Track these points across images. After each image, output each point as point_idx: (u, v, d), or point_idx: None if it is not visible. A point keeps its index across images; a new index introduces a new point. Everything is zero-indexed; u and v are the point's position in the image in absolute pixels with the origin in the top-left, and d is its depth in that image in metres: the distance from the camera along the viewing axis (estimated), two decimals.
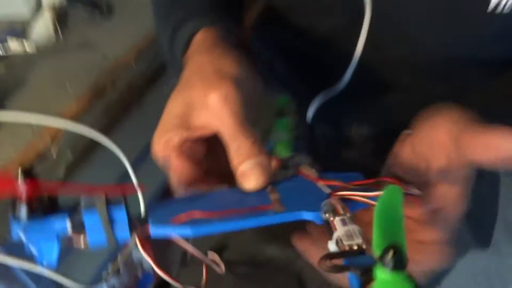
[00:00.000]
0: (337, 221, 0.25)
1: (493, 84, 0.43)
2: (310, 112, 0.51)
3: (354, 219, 0.26)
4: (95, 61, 0.61)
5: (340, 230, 0.24)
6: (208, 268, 0.30)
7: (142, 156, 0.73)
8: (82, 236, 0.25)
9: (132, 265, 0.31)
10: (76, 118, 0.54)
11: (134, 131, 0.68)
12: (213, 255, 0.30)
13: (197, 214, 0.26)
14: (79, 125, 0.24)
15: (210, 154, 0.34)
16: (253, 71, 0.36)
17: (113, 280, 0.33)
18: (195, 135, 0.33)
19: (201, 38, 0.39)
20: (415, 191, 0.29)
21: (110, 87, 0.58)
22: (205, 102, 0.32)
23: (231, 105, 0.31)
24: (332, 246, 0.25)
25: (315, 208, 0.27)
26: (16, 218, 0.24)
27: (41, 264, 0.25)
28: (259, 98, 0.37)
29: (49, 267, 0.25)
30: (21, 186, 0.24)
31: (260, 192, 0.29)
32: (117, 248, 0.27)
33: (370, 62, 0.46)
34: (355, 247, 0.23)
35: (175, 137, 0.33)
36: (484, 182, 0.53)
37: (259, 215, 0.27)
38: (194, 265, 0.38)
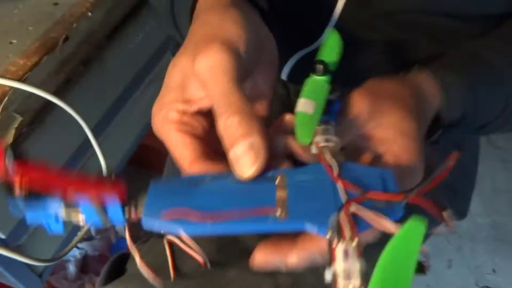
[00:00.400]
0: (338, 251, 0.22)
1: (473, 40, 0.42)
2: (286, 70, 0.48)
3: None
4: (44, 10, 0.54)
5: (339, 265, 0.22)
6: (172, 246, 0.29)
7: (104, 122, 0.66)
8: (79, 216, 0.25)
9: (105, 230, 0.28)
10: (23, 76, 0.48)
11: (94, 92, 0.61)
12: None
13: (192, 215, 0.25)
14: (26, 85, 0.22)
15: (214, 130, 0.30)
16: (260, 30, 0.32)
17: (85, 246, 0.32)
18: (192, 109, 0.30)
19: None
20: (448, 222, 0.25)
21: (63, 40, 0.50)
22: (193, 70, 0.28)
23: (218, 73, 0.27)
24: (328, 276, 0.22)
25: (321, 219, 0.24)
26: (13, 198, 0.24)
27: (50, 231, 0.26)
28: (267, 60, 0.33)
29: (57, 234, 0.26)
30: (11, 166, 0.24)
31: (267, 185, 0.26)
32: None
33: (350, 19, 0.44)
34: None
35: (172, 111, 0.30)
36: (464, 152, 0.52)
37: (257, 222, 0.24)
38: (155, 240, 0.34)
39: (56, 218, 0.25)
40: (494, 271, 1.17)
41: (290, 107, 0.55)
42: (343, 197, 0.25)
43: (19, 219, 0.56)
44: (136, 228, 0.27)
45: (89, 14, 0.54)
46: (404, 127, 0.30)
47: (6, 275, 0.60)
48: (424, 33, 0.45)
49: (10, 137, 0.52)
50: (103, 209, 0.25)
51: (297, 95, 0.59)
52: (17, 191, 0.24)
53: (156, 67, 0.77)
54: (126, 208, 0.26)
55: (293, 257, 0.26)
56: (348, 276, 0.22)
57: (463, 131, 0.38)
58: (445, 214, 0.25)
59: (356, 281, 0.21)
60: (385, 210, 0.24)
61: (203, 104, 0.30)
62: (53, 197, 0.25)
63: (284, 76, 0.51)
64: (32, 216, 0.25)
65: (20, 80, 0.47)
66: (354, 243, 0.22)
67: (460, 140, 0.53)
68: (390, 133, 0.30)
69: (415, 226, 0.20)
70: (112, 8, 0.59)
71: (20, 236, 0.58)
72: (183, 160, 0.29)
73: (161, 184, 0.27)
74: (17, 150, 0.51)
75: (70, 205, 0.25)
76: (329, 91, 0.30)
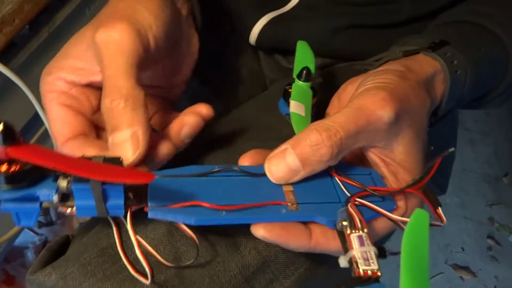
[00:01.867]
0: (353, 237, 0.24)
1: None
2: (254, 34, 0.44)
3: None
4: None
5: (356, 250, 0.24)
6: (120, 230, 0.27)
7: None
8: (69, 207, 0.24)
9: (66, 215, 0.25)
10: None
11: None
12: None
13: (204, 205, 0.25)
14: None
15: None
16: (180, 25, 0.32)
17: (45, 232, 0.28)
18: (83, 81, 0.29)
19: None
20: (442, 217, 0.28)
21: None
22: (93, 42, 0.27)
23: (116, 52, 0.26)
24: (343, 262, 0.24)
25: (329, 211, 0.26)
26: None
27: (18, 224, 0.24)
28: (183, 55, 0.33)
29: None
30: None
31: (270, 181, 0.27)
32: None
33: None
34: (370, 273, 0.23)
35: (60, 80, 0.29)
36: (445, 124, 0.51)
37: (271, 212, 0.26)
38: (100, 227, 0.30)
39: (31, 211, 0.23)
40: (463, 249, 1.19)
41: (259, 74, 0.52)
42: (346, 192, 0.27)
43: None
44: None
45: None
46: (412, 151, 0.28)
47: None
48: None
49: None
50: (103, 197, 0.23)
51: (268, 63, 0.55)
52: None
53: None
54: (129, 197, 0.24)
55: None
56: (366, 260, 0.23)
57: (456, 107, 0.36)
58: (439, 210, 0.28)
59: (374, 265, 0.23)
60: (380, 203, 0.27)
61: (95, 79, 0.28)
62: (45, 182, 0.23)
63: (252, 41, 0.47)
64: (8, 205, 0.23)
65: None
66: (366, 230, 0.25)
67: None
68: (397, 158, 0.28)
69: (421, 214, 0.23)
70: None
71: None
72: (58, 136, 0.28)
73: (161, 175, 0.26)
74: None
75: (63, 190, 0.23)
76: (312, 96, 0.34)
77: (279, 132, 0.33)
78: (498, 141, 1.42)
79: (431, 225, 0.27)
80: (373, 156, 0.29)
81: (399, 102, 0.26)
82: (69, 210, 0.24)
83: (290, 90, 0.33)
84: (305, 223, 0.27)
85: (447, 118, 0.51)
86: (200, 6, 0.36)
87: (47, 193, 0.23)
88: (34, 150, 0.22)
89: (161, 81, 0.33)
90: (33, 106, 0.52)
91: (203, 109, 0.30)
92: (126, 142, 0.25)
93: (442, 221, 0.27)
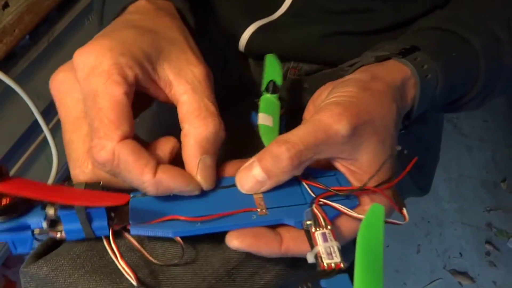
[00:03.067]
0: (318, 235, 0.26)
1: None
2: (243, 40, 0.46)
3: None
4: None
5: (320, 246, 0.26)
6: None
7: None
8: (58, 232, 0.26)
9: (57, 239, 0.28)
10: None
11: (42, 69, 0.57)
12: None
13: (180, 218, 0.27)
14: None
15: None
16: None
17: (44, 237, 0.30)
18: (147, 87, 0.28)
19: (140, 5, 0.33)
20: (405, 216, 0.30)
21: (2, 7, 0.47)
22: (173, 57, 0.28)
23: (210, 86, 0.28)
24: (310, 258, 0.26)
25: (296, 214, 0.28)
26: None
27: (15, 252, 0.26)
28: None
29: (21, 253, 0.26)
30: None
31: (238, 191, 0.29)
32: None
33: None
34: (333, 266, 0.25)
35: (130, 69, 0.27)
36: (427, 127, 0.52)
37: (243, 218, 0.28)
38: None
39: (25, 239, 0.26)
40: (461, 254, 1.19)
41: (250, 80, 0.53)
42: (312, 194, 0.29)
43: None
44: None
45: None
46: (377, 158, 0.29)
47: None
48: (386, 3, 0.44)
49: None
50: (88, 220, 0.26)
51: (258, 70, 0.57)
52: None
53: None
54: (111, 217, 0.27)
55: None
56: (330, 255, 0.25)
57: (431, 111, 0.37)
58: (403, 211, 0.30)
59: (337, 258, 0.25)
60: (345, 202, 0.29)
61: (156, 91, 0.29)
62: (34, 211, 0.25)
63: (241, 48, 0.49)
64: (3, 236, 0.25)
65: None
66: (330, 227, 0.27)
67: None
68: (363, 166, 0.30)
69: (376, 208, 0.25)
70: None
71: None
72: (112, 128, 0.26)
73: (140, 195, 0.29)
74: None
75: (51, 217, 0.26)
76: (280, 107, 0.35)
77: (252, 139, 0.34)
78: (496, 147, 1.42)
79: (392, 223, 0.29)
80: (340, 166, 0.30)
81: (355, 116, 0.28)
82: (58, 234, 0.26)
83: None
84: (275, 230, 0.29)
85: (428, 122, 0.52)
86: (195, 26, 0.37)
87: (36, 221, 0.25)
88: (21, 183, 0.24)
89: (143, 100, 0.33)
90: (32, 113, 0.54)
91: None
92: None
93: (405, 219, 0.30)
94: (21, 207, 0.25)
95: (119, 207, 0.27)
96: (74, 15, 0.61)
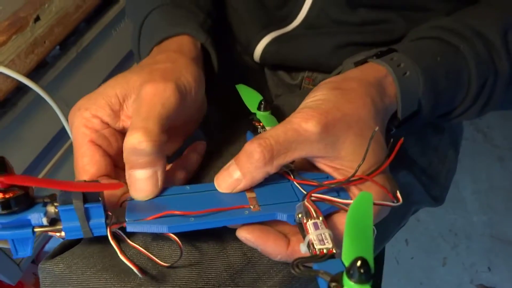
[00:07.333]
0: (309, 225, 0.27)
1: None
2: (258, 51, 0.47)
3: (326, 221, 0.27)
4: None
5: (312, 233, 0.26)
6: None
7: None
8: (58, 231, 0.27)
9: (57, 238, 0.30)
10: None
11: (71, 78, 0.61)
12: None
13: (175, 213, 0.28)
14: None
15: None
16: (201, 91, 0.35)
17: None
18: (117, 125, 0.32)
19: (176, 40, 0.38)
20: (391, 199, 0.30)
21: (34, 20, 0.50)
22: (139, 90, 0.30)
23: (156, 102, 0.29)
24: (303, 248, 0.27)
25: (289, 209, 0.29)
26: None
27: (16, 255, 0.27)
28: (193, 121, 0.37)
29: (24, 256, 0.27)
30: None
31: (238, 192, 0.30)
32: None
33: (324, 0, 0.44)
34: (325, 252, 0.25)
35: (96, 118, 0.31)
36: (443, 138, 0.51)
37: (236, 214, 0.28)
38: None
39: (26, 238, 0.27)
40: (489, 269, 1.15)
41: (265, 90, 0.54)
42: (303, 191, 0.30)
43: None
44: None
45: None
46: (358, 150, 0.30)
47: None
48: (398, 13, 0.44)
49: None
50: (86, 217, 0.27)
51: (273, 79, 0.58)
52: None
53: None
54: (109, 216, 0.28)
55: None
56: (321, 241, 0.26)
57: (421, 120, 0.37)
58: (397, 194, 0.30)
59: (328, 244, 0.26)
60: (336, 196, 0.30)
61: (128, 124, 0.31)
62: (34, 209, 0.26)
63: (256, 58, 0.50)
64: (4, 232, 0.26)
65: None
66: (321, 218, 0.27)
67: (437, 125, 0.52)
68: (344, 161, 0.30)
69: (365, 196, 0.25)
70: None
71: None
72: (83, 172, 0.30)
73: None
74: None
75: (51, 215, 0.27)
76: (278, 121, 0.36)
77: None
78: None
79: (384, 204, 0.30)
80: (323, 166, 0.31)
81: (323, 114, 0.29)
82: (58, 234, 0.28)
83: (255, 123, 0.37)
84: (283, 232, 0.29)
85: (444, 132, 0.51)
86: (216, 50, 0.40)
87: (37, 216, 0.26)
88: (24, 177, 0.26)
89: (179, 130, 0.37)
90: (60, 121, 0.57)
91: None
92: (148, 180, 0.29)
93: (398, 200, 0.30)
94: (23, 201, 0.26)
95: (117, 209, 0.29)
96: (102, 26, 0.64)
